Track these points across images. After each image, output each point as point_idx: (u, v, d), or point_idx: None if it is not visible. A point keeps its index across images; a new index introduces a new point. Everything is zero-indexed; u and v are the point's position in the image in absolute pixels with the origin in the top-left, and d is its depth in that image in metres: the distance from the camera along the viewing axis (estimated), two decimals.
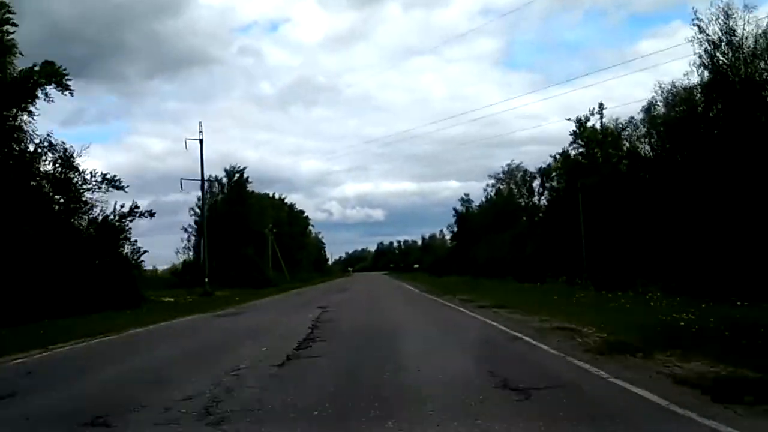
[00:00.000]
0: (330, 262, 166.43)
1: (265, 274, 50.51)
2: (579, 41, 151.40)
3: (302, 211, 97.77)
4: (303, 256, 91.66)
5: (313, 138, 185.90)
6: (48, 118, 61.69)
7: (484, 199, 68.94)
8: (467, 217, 72.06)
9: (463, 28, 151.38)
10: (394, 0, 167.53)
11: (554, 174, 43.91)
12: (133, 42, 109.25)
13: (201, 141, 35.64)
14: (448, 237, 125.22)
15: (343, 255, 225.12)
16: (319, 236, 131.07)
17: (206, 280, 33.67)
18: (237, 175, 55.68)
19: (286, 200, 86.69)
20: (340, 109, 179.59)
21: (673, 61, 62.36)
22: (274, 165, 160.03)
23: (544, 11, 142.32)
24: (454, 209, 77.36)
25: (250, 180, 55.99)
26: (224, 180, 55.22)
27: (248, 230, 53.58)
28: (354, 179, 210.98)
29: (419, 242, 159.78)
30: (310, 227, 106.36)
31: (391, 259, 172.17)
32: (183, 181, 36.91)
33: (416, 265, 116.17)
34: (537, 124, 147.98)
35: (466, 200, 72.72)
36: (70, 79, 23.17)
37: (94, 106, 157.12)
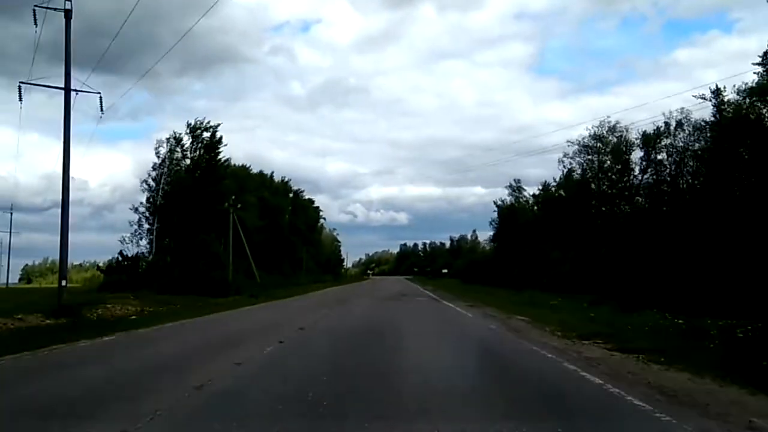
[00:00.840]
0: (348, 264, 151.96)
1: (224, 275, 34.82)
2: (612, 48, 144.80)
3: (311, 201, 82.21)
4: (309, 255, 76.18)
5: (341, 140, 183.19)
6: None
7: (539, 189, 52.50)
8: (515, 211, 55.28)
9: (496, 32, 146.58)
10: (429, 1, 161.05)
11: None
12: (164, 39, 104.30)
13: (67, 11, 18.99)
14: (483, 239, 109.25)
15: (363, 257, 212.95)
16: (334, 234, 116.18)
17: (62, 283, 18.03)
18: (205, 134, 39.79)
19: (289, 184, 70.81)
20: (369, 112, 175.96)
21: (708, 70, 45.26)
22: (301, 166, 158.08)
23: (580, 16, 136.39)
24: (496, 204, 60.40)
25: (223, 141, 40.19)
26: (186, 140, 39.55)
27: (215, 214, 38.16)
28: (379, 182, 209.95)
29: (447, 244, 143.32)
30: (322, 222, 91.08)
31: (415, 263, 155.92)
32: (23, 85, 21.23)
33: (444, 270, 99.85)
34: (566, 131, 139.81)
35: (515, 188, 55.72)
36: None
37: (125, 102, 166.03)
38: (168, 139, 38.69)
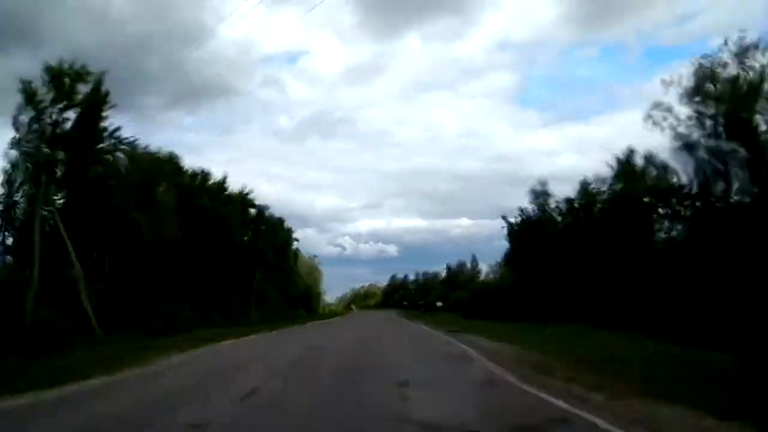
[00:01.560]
0: (332, 298, 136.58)
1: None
2: (594, 77, 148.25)
3: (281, 221, 67.41)
4: (276, 287, 61.31)
5: (328, 172, 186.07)
6: None
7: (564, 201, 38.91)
8: (543, 223, 41.13)
9: (480, 62, 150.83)
10: (414, 32, 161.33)
11: None
12: (153, 71, 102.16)
13: None
14: (484, 267, 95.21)
15: (348, 291, 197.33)
16: (315, 262, 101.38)
17: None
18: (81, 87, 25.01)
19: (249, 197, 56.03)
20: (355, 144, 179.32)
21: None
22: (290, 200, 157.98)
23: (561, 45, 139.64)
24: (505, 219, 46.00)
25: (109, 101, 25.67)
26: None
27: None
28: (368, 215, 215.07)
29: (443, 274, 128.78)
30: (297, 248, 76.23)
31: (405, 296, 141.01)
32: None
33: (439, 303, 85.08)
34: (550, 161, 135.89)
35: (540, 193, 41.42)
36: None
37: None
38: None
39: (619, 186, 32.16)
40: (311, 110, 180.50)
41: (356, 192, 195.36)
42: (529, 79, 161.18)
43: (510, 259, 49.68)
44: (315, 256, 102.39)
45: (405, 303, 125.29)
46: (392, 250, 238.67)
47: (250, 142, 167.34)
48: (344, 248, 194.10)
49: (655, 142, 26.09)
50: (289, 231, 68.51)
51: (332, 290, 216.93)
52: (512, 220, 44.40)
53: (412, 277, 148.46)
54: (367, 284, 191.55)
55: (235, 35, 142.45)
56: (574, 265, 33.86)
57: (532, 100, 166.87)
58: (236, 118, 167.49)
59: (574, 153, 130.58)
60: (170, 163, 35.28)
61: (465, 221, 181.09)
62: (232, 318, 38.62)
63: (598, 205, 35.78)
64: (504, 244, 49.25)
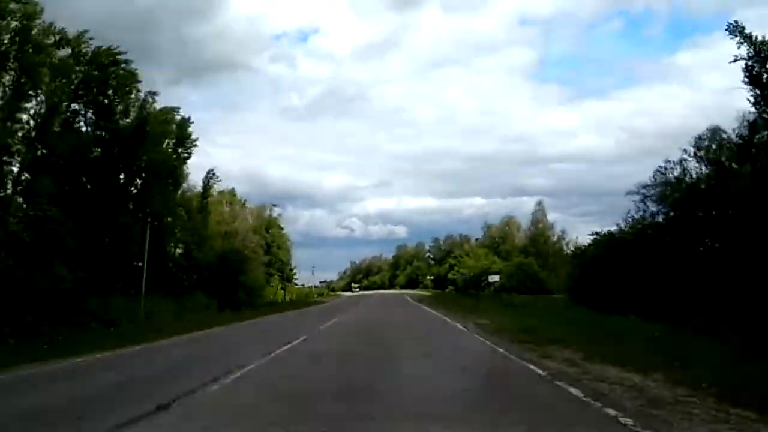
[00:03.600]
0: (316, 280, 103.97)
1: None
2: (615, 53, 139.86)
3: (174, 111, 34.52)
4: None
5: (338, 151, 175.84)
6: None
7: None
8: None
9: (499, 38, 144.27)
10: (434, 4, 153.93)
11: None
12: (160, 46, 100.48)
13: None
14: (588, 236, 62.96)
15: (348, 267, 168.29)
16: (274, 213, 69.02)
17: None
18: None
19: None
20: (366, 122, 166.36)
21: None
22: (297, 181, 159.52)
23: (584, 19, 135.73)
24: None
25: None
26: None
27: None
28: (377, 195, 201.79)
29: (473, 237, 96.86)
30: (214, 175, 42.98)
31: (418, 272, 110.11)
32: None
33: (495, 278, 53.93)
34: (567, 140, 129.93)
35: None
36: None
37: None
38: None
39: None
40: (322, 88, 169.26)
41: (366, 171, 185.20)
42: (548, 55, 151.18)
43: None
44: (274, 205, 70.04)
45: (427, 280, 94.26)
46: (401, 231, 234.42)
47: (257, 120, 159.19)
48: (353, 230, 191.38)
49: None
50: (186, 125, 35.56)
51: (330, 269, 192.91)
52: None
53: (431, 243, 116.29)
54: (370, 257, 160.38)
55: (246, 9, 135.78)
56: None
57: (550, 77, 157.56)
58: (244, 96, 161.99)
59: (592, 132, 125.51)
60: None
61: (478, 200, 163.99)
62: None
63: None
64: None
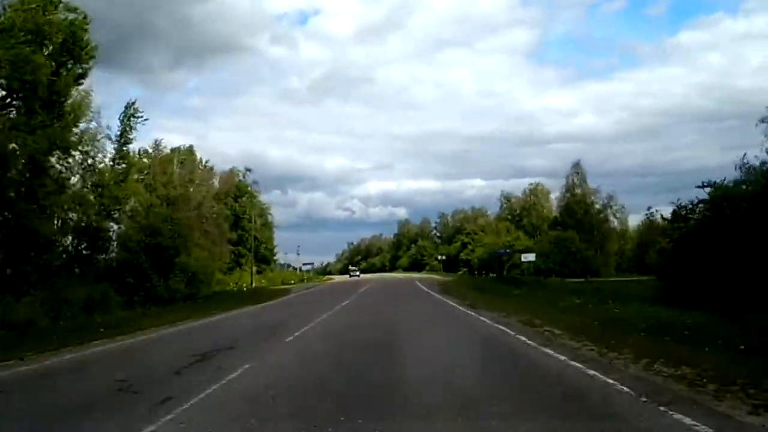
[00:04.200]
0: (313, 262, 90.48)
1: None
2: (616, 33, 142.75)
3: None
4: None
5: (338, 133, 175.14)
6: None
7: None
8: None
9: (500, 18, 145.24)
10: None
11: None
12: (159, 27, 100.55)
13: None
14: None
15: (346, 248, 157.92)
16: (257, 201, 55.91)
17: None
18: None
19: None
20: (367, 104, 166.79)
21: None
22: (298, 163, 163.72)
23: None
24: None
25: None
26: None
27: None
28: (378, 177, 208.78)
29: (489, 210, 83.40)
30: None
31: (423, 252, 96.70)
32: None
33: (530, 257, 40.64)
34: (567, 120, 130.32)
35: None
36: None
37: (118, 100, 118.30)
38: None
39: None
40: (323, 70, 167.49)
41: (367, 153, 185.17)
42: (549, 35, 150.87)
43: None
44: (248, 169, 56.87)
45: (434, 261, 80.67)
46: (402, 213, 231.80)
47: (258, 104, 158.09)
48: (353, 212, 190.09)
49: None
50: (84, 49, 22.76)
51: (330, 251, 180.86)
52: None
53: (437, 218, 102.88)
54: (369, 236, 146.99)
55: None
56: None
57: (550, 57, 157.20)
58: (244, 79, 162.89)
59: (592, 113, 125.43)
60: None
61: (479, 182, 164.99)
62: None
63: None
64: None
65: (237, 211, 51.53)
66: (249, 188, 54.58)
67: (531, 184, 71.30)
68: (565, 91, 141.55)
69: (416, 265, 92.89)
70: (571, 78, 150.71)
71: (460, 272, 68.31)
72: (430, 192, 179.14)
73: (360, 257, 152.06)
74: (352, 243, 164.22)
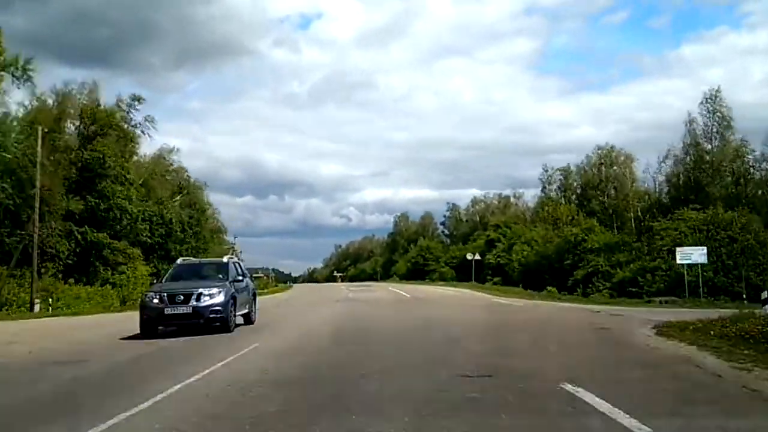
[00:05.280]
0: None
1: None
2: (617, 45, 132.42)
3: None
4: None
5: (337, 141, 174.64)
6: None
7: None
8: None
9: (502, 27, 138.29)
10: None
11: None
12: (160, 28, 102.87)
13: None
14: None
15: (333, 253, 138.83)
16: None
17: None
18: None
19: None
20: (365, 111, 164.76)
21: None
22: (295, 169, 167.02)
23: (591, 9, 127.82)
24: None
25: None
26: None
27: None
28: (374, 185, 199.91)
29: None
30: None
31: (428, 255, 71.09)
32: None
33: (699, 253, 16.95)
34: (566, 131, 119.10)
35: None
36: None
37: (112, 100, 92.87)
38: None
39: None
40: (323, 75, 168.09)
41: (363, 160, 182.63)
42: (550, 46, 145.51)
43: None
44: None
45: (443, 267, 55.56)
46: None
47: (257, 108, 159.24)
48: (350, 219, 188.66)
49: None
50: None
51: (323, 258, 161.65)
52: None
53: (445, 209, 77.99)
54: (359, 239, 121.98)
55: None
56: None
57: (551, 68, 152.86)
58: (244, 82, 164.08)
59: (591, 125, 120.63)
60: None
61: (475, 191, 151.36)
62: None
63: None
64: None
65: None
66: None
67: (599, 148, 45.94)
68: (564, 101, 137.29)
69: (418, 273, 67.57)
70: (570, 89, 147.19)
71: (490, 281, 43.57)
72: (426, 200, 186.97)
73: (348, 262, 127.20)
74: (340, 246, 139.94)
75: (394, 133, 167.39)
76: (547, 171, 52.06)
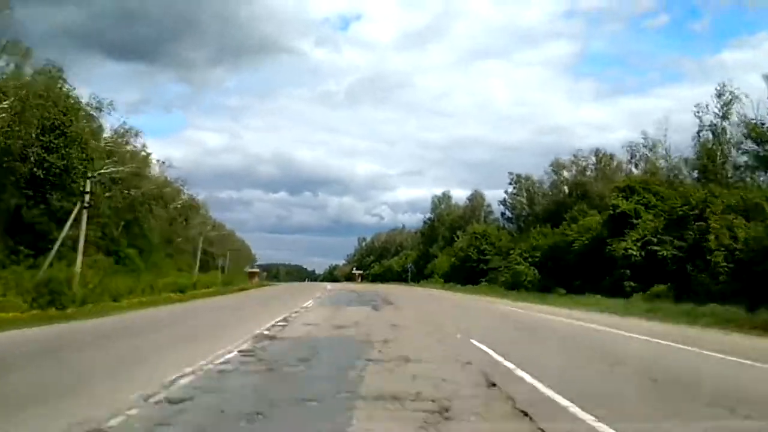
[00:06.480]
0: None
1: None
2: (657, 49, 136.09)
3: None
4: None
5: (372, 139, 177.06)
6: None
7: None
8: None
9: (541, 30, 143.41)
10: None
11: None
12: (202, 24, 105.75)
13: None
14: None
15: (356, 248, 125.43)
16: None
17: None
18: None
19: None
20: (401, 111, 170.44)
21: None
22: (329, 166, 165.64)
23: (632, 12, 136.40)
24: None
25: None
26: None
27: None
28: (407, 184, 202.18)
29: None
30: None
31: (484, 245, 49.18)
32: None
33: None
34: (601, 135, 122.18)
35: None
36: None
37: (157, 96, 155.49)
38: None
39: None
40: (361, 75, 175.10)
41: (398, 159, 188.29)
42: (589, 49, 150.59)
43: None
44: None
45: (519, 266, 33.98)
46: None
47: (294, 106, 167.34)
48: (382, 217, 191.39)
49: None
50: None
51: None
52: None
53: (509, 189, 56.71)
54: (387, 230, 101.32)
55: None
56: None
57: (588, 71, 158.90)
58: (283, 81, 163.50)
59: (627, 128, 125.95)
60: None
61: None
62: None
63: None
64: None
65: None
66: None
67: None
68: (600, 105, 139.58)
69: (469, 273, 45.34)
70: (607, 92, 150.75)
71: (640, 292, 21.96)
72: (457, 200, 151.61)
73: (372, 258, 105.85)
74: (364, 239, 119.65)
75: (429, 133, 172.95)
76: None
